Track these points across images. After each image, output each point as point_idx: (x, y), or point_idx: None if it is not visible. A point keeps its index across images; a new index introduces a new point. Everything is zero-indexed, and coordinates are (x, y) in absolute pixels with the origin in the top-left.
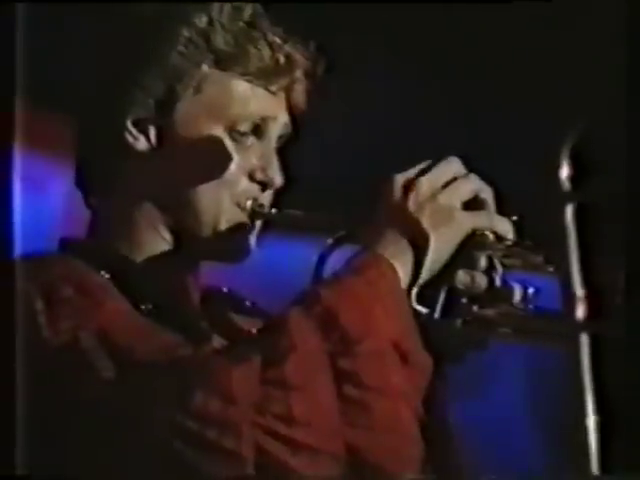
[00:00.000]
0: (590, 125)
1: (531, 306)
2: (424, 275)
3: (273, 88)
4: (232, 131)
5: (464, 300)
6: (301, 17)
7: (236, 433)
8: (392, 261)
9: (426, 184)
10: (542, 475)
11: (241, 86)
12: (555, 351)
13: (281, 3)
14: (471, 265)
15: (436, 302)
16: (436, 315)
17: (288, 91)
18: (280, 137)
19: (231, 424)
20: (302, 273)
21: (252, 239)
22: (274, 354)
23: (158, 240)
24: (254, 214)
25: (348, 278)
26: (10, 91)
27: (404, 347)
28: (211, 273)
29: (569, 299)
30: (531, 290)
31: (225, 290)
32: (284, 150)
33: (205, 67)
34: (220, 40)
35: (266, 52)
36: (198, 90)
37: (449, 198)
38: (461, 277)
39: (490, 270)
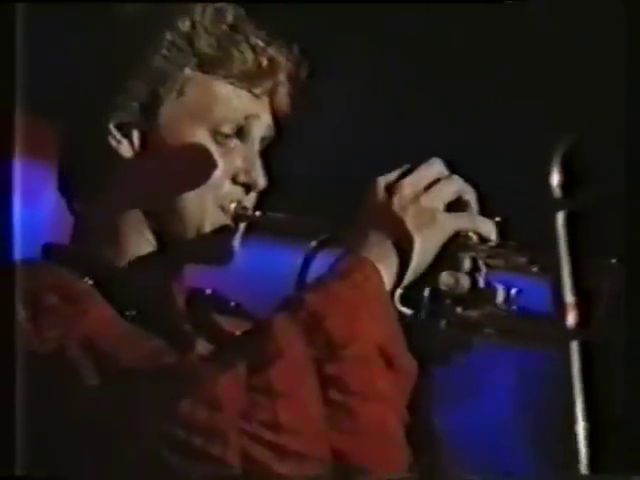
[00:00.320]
0: (582, 132)
1: (514, 307)
2: (409, 277)
3: (256, 91)
4: (216, 133)
5: (448, 301)
6: (284, 20)
7: (223, 440)
8: (377, 264)
9: (408, 186)
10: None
11: (224, 89)
12: (542, 353)
13: (264, 5)
14: (455, 266)
15: (420, 303)
16: (420, 316)
17: (271, 94)
18: (263, 139)
19: (217, 431)
20: (286, 275)
21: (236, 242)
22: (260, 360)
23: (142, 243)
24: (238, 217)
25: (333, 282)
26: (10, 96)
27: (389, 351)
28: (195, 276)
29: (559, 306)
30: (514, 291)
31: (209, 292)
32: (268, 153)
33: (188, 70)
34: (203, 43)
35: (249, 55)
36: (181, 93)
37: (432, 200)
38: (445, 278)
39: (474, 271)
